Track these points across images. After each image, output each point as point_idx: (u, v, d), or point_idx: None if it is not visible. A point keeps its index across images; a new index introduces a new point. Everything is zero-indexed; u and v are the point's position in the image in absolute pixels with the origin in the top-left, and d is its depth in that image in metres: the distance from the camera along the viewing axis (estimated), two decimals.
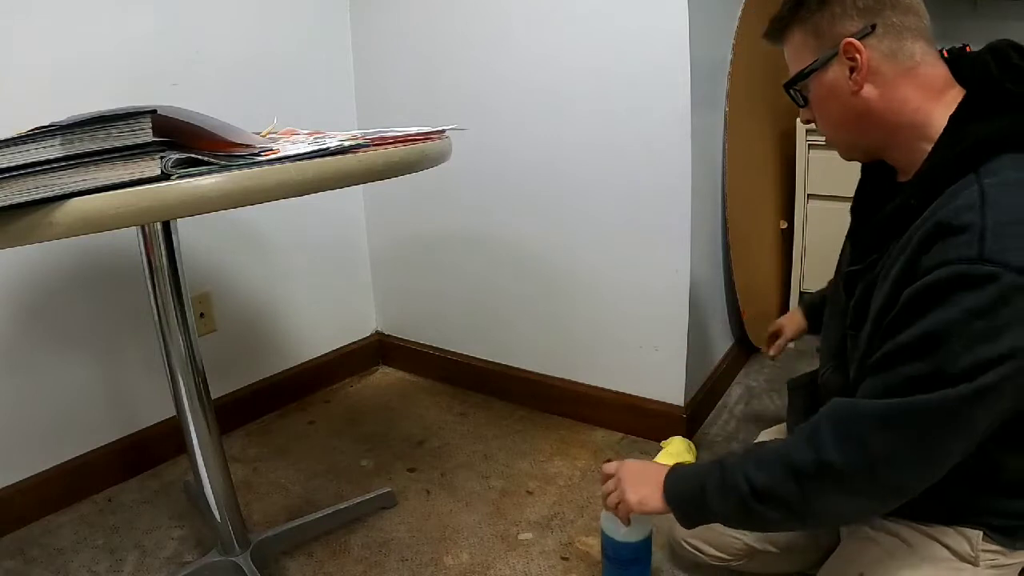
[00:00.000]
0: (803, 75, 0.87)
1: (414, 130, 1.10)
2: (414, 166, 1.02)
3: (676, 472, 0.96)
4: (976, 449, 0.77)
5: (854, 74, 0.83)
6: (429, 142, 1.07)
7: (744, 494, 0.84)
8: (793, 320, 1.39)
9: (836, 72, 0.84)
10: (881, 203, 0.91)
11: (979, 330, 0.70)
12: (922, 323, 0.73)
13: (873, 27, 0.82)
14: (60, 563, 1.41)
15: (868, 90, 0.83)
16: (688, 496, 0.92)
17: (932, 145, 0.81)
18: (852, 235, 0.99)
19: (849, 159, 0.94)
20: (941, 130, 0.81)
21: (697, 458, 1.66)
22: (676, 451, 1.66)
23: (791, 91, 0.91)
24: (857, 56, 0.82)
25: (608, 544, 1.14)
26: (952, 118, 0.81)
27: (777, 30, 0.91)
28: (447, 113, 1.88)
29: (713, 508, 0.88)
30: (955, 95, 0.82)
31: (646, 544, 1.13)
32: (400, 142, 1.03)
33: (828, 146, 0.95)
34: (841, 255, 1.07)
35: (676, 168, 1.59)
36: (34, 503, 1.54)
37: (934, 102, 0.82)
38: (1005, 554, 0.86)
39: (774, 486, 0.82)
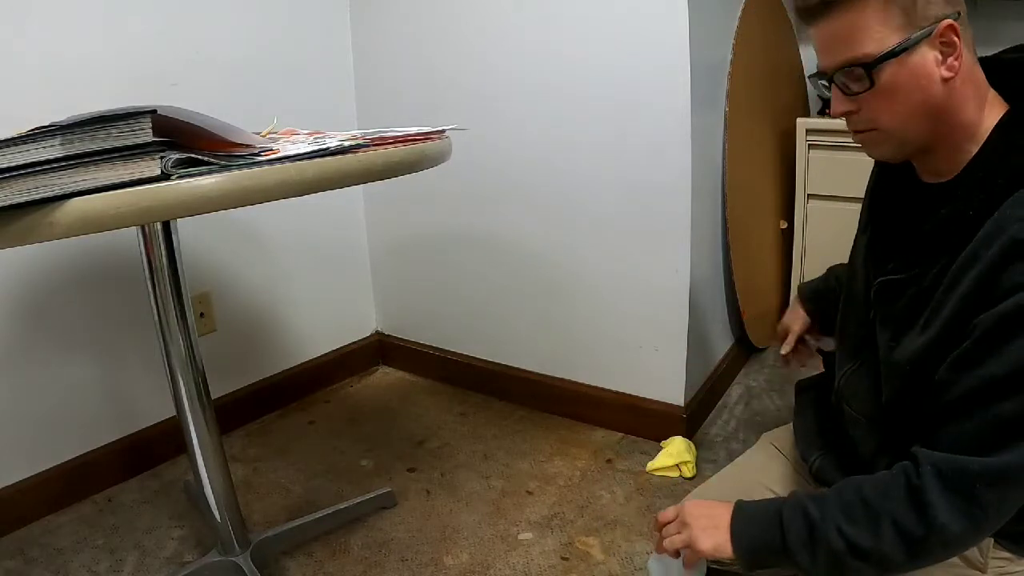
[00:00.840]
0: (893, 53, 0.76)
1: (414, 130, 1.10)
2: (414, 166, 1.02)
3: (744, 516, 0.88)
4: None
5: (948, 60, 0.77)
6: (429, 142, 1.07)
7: (839, 551, 0.79)
8: (798, 317, 1.28)
9: (926, 56, 0.77)
10: (909, 205, 0.88)
11: None
12: (1008, 355, 0.70)
13: (959, 14, 0.77)
14: (60, 563, 1.40)
15: (956, 80, 0.78)
16: (765, 546, 0.85)
17: (976, 147, 0.78)
18: (879, 240, 0.94)
19: (887, 158, 0.86)
20: (985, 132, 0.78)
21: (697, 458, 1.66)
22: (676, 451, 1.66)
23: (868, 70, 0.77)
24: (956, 41, 0.77)
25: None
26: (1003, 123, 0.78)
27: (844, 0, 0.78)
28: (447, 113, 1.88)
29: (797, 560, 0.82)
30: (992, 96, 0.80)
31: None
32: (400, 142, 1.03)
33: (865, 145, 0.84)
34: (854, 253, 1.05)
35: (676, 168, 1.59)
36: (34, 503, 1.54)
37: (983, 101, 0.79)
38: (1014, 560, 0.86)
39: (879, 548, 0.77)
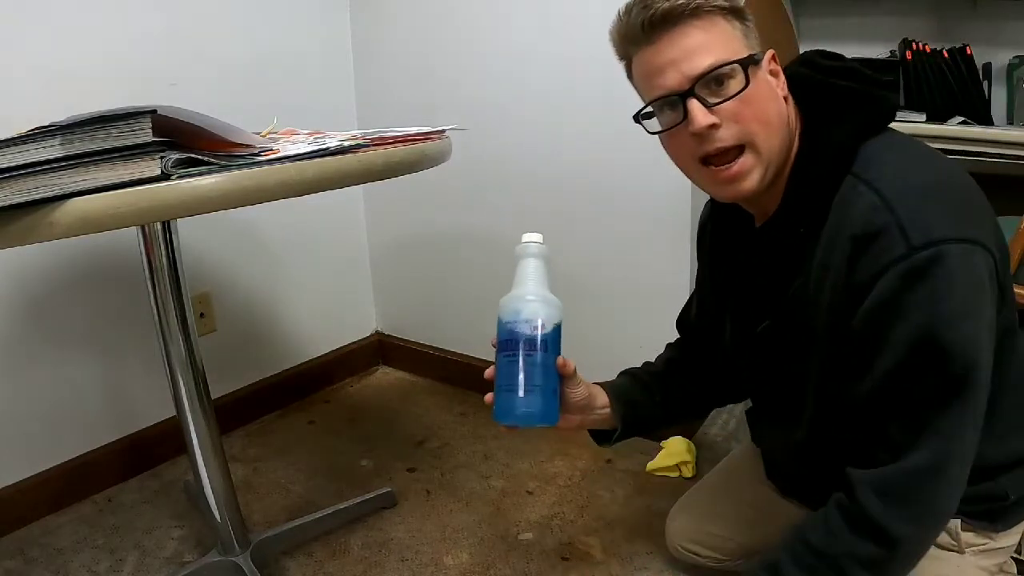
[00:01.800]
0: (754, 59, 0.77)
1: (414, 130, 1.10)
2: (414, 166, 1.02)
3: None
4: None
5: (779, 81, 0.82)
6: (429, 142, 1.07)
7: None
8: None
9: (766, 73, 0.80)
10: (751, 251, 0.89)
11: (954, 311, 0.69)
12: (897, 343, 0.71)
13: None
14: (60, 563, 1.40)
15: (787, 100, 0.82)
16: None
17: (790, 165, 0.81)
18: (736, 294, 0.95)
19: (752, 188, 0.80)
20: (795, 149, 0.81)
21: (697, 458, 1.66)
22: (676, 451, 1.66)
23: (744, 66, 0.76)
24: (779, 69, 0.82)
25: (516, 331, 0.90)
26: (804, 132, 0.81)
27: (698, 7, 0.76)
28: (447, 113, 1.88)
29: None
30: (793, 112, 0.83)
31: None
32: (400, 142, 1.03)
33: (735, 179, 0.79)
34: (710, 309, 1.04)
35: (676, 168, 1.59)
36: (34, 503, 1.54)
37: (794, 120, 0.83)
38: (991, 538, 0.86)
39: None
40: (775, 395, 0.93)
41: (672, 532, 1.19)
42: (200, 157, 0.81)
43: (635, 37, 0.79)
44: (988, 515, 0.85)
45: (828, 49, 0.87)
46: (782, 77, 0.82)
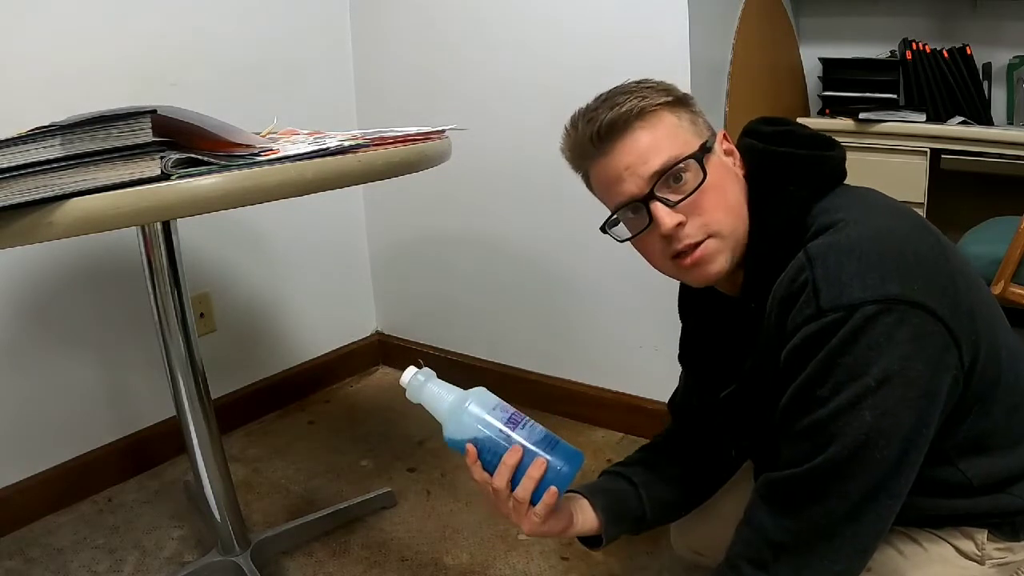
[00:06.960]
0: (707, 148, 0.79)
1: (414, 130, 1.10)
2: (414, 166, 1.03)
3: None
4: (941, 463, 0.77)
5: (735, 159, 0.83)
6: (429, 142, 1.07)
7: None
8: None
9: (722, 156, 0.82)
10: (723, 321, 0.90)
11: (844, 368, 0.68)
12: (799, 381, 0.72)
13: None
14: (60, 563, 1.40)
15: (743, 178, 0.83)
16: None
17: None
18: (707, 360, 0.97)
19: (721, 270, 0.80)
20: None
21: None
22: None
23: (700, 160, 0.77)
24: (734, 148, 0.83)
25: (491, 439, 0.85)
26: (752, 206, 0.80)
27: (642, 109, 0.79)
28: (447, 113, 1.87)
29: None
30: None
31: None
32: (400, 142, 1.03)
33: (702, 263, 0.79)
34: (687, 369, 1.05)
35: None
36: (34, 503, 1.54)
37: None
38: (1012, 550, 0.86)
39: None
40: (750, 450, 0.94)
41: (677, 533, 1.19)
42: (200, 157, 0.82)
43: (587, 151, 0.81)
44: (1012, 527, 0.85)
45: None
46: (737, 154, 0.82)
